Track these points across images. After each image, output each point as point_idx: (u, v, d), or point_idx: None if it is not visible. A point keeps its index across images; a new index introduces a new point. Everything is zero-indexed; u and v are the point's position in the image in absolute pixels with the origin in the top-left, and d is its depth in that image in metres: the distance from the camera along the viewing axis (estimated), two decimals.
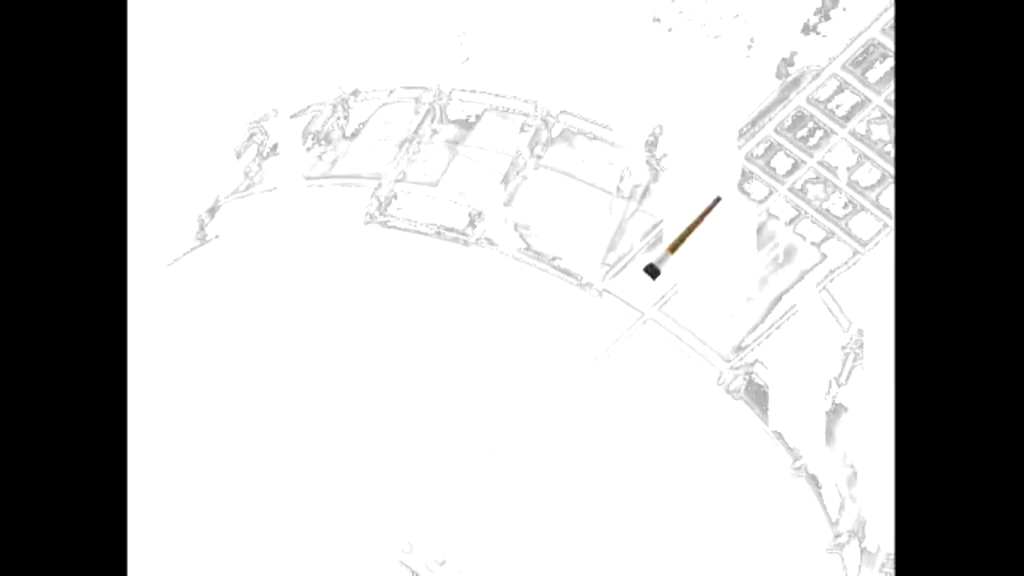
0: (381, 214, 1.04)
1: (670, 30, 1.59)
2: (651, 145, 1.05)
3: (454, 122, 1.08)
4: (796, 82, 1.01)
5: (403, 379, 1.13)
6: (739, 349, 0.99)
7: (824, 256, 0.97)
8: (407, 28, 1.65)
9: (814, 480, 1.04)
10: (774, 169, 0.98)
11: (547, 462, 1.13)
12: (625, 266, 0.99)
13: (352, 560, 1.27)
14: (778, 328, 1.01)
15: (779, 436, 1.03)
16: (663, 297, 0.99)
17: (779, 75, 1.58)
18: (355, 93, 1.11)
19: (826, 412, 1.06)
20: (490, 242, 1.01)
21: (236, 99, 1.55)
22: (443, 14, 1.65)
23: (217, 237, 1.09)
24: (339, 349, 1.13)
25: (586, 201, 1.05)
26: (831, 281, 1.01)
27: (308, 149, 1.11)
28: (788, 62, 1.59)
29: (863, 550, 1.11)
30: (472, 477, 1.15)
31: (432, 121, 1.07)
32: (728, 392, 1.01)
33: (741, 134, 1.00)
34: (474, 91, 1.10)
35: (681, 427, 1.06)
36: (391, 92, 1.12)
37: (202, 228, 1.10)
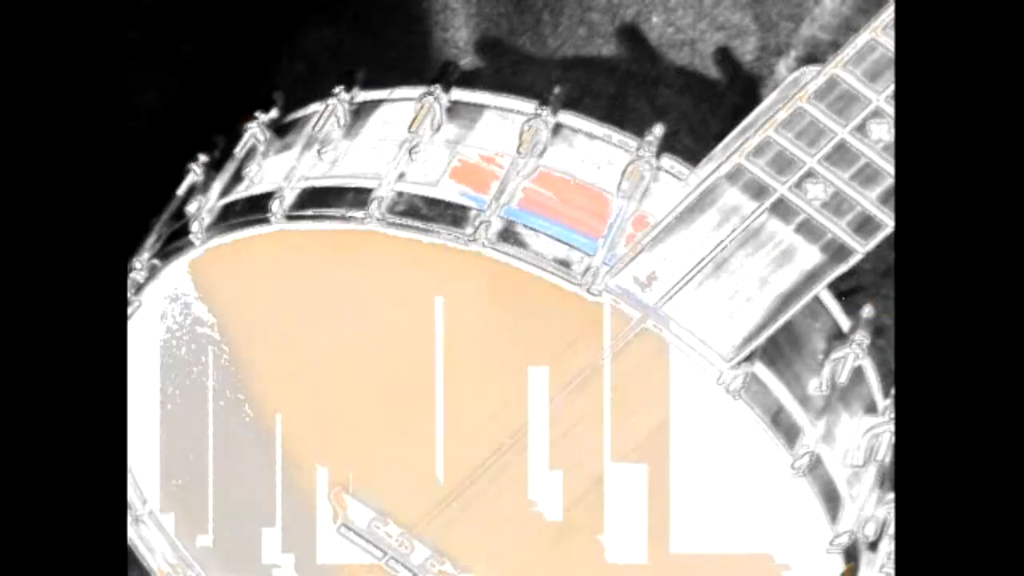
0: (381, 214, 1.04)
1: (671, 27, 1.59)
2: (651, 144, 1.05)
3: (454, 122, 1.08)
4: (796, 81, 1.01)
5: (400, 379, 1.13)
6: (739, 349, 0.99)
7: (824, 256, 0.97)
8: (406, 27, 1.65)
9: (814, 480, 1.04)
10: (774, 169, 0.98)
11: (547, 462, 1.13)
12: (625, 266, 0.99)
13: (349, 561, 1.27)
14: (778, 328, 1.01)
15: (779, 436, 1.03)
16: (663, 297, 0.99)
17: (779, 74, 1.58)
18: (353, 92, 1.12)
19: (826, 412, 1.06)
20: (490, 242, 1.02)
21: (234, 99, 1.55)
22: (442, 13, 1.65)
23: (211, 238, 1.09)
24: (336, 348, 1.13)
25: (587, 198, 1.05)
26: (831, 281, 1.01)
27: (307, 149, 1.11)
28: (788, 63, 1.59)
29: (862, 550, 1.11)
30: (471, 477, 1.15)
31: (432, 121, 1.08)
32: (728, 392, 1.01)
33: (740, 134, 1.00)
34: (474, 91, 1.10)
35: (681, 427, 1.06)
36: (391, 92, 1.13)
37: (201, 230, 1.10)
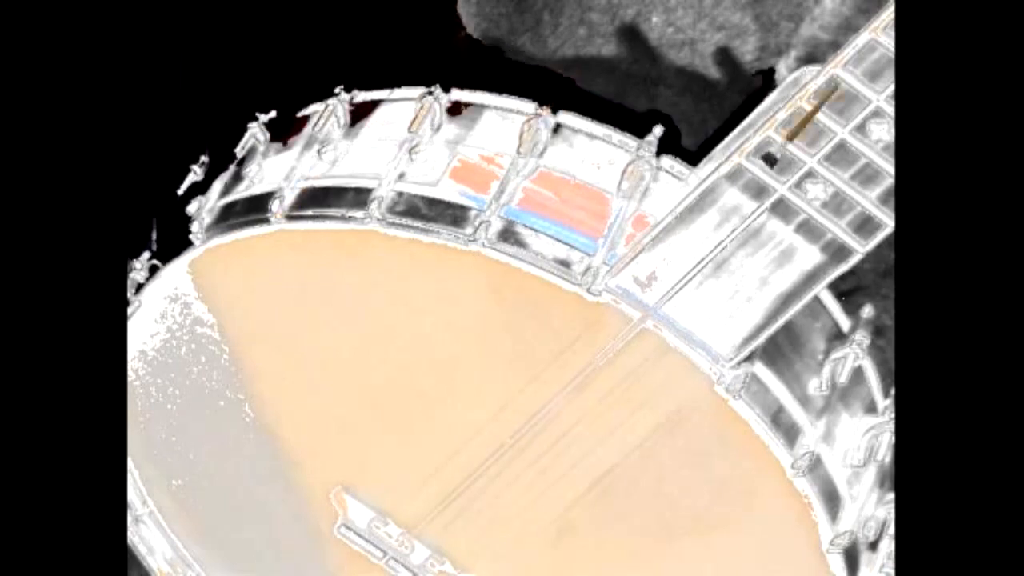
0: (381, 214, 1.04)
1: (671, 27, 1.59)
2: (651, 144, 1.05)
3: (454, 122, 1.08)
4: (796, 81, 1.01)
5: (400, 379, 1.13)
6: (739, 349, 0.99)
7: (824, 256, 0.97)
8: (407, 27, 1.65)
9: (814, 480, 1.04)
10: (773, 168, 0.98)
11: (546, 463, 1.13)
12: (625, 266, 0.99)
13: (348, 561, 1.27)
14: (778, 328, 1.01)
15: (779, 436, 1.03)
16: (663, 297, 0.99)
17: (779, 75, 1.58)
18: (353, 92, 1.12)
19: (826, 412, 1.06)
20: (490, 242, 1.01)
21: (234, 99, 1.55)
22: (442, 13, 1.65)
23: (211, 238, 1.09)
24: (336, 348, 1.13)
25: (587, 198, 1.05)
26: (831, 281, 1.01)
27: (307, 149, 1.11)
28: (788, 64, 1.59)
29: (862, 550, 1.11)
30: (471, 477, 1.15)
31: (432, 121, 1.08)
32: (728, 392, 1.01)
33: (740, 134, 1.00)
34: (474, 91, 1.10)
35: (681, 427, 1.06)
36: (391, 92, 1.13)
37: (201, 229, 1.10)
